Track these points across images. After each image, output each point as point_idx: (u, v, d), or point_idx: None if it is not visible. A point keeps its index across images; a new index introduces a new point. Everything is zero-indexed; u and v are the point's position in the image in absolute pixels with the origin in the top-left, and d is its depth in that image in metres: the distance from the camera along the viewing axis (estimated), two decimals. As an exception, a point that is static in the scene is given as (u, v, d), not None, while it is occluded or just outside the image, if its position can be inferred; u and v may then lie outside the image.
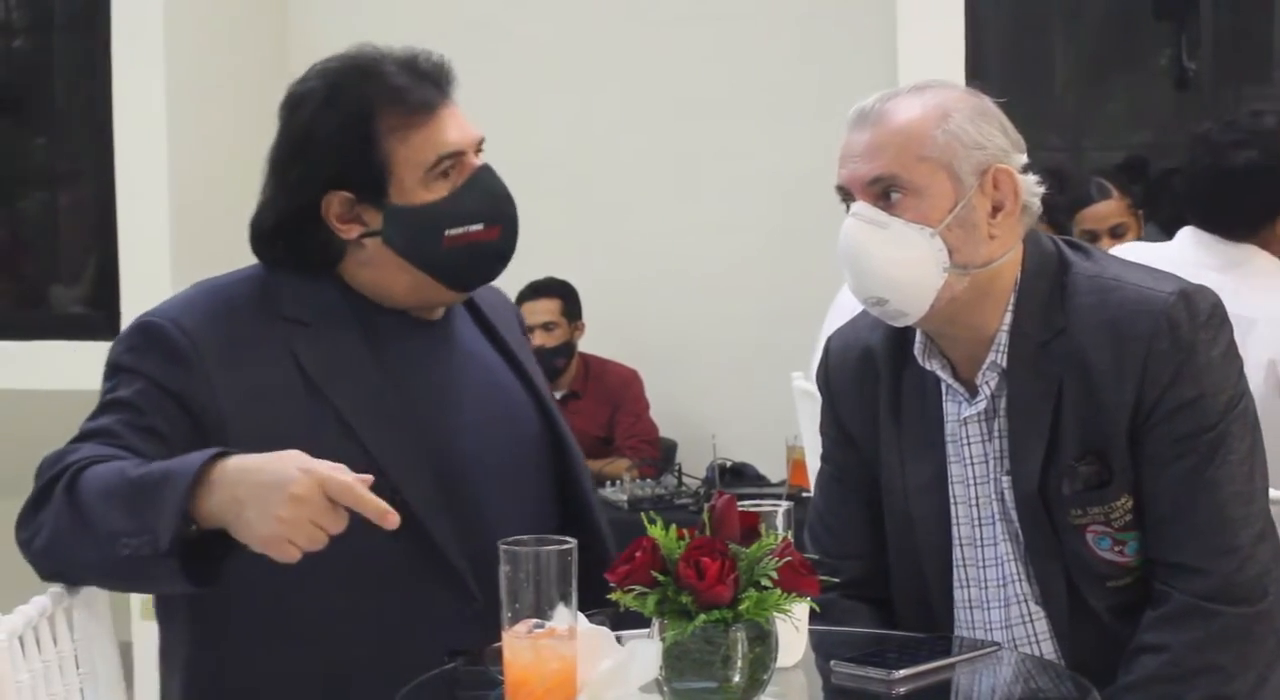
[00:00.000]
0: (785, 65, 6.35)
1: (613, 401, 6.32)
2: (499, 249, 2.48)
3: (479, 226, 2.43)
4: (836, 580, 2.46)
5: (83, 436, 2.31)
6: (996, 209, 2.34)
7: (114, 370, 2.39)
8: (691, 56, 6.48)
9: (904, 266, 2.31)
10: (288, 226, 2.45)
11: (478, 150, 2.48)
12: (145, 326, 2.39)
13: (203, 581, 2.12)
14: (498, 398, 2.55)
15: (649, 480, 5.75)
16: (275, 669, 2.33)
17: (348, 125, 2.40)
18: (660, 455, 6.19)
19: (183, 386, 2.32)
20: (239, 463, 2.09)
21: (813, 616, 2.50)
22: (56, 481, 2.21)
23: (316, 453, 2.28)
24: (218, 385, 2.33)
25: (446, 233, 2.41)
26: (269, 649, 2.32)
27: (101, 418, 2.33)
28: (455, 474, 2.42)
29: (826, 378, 2.60)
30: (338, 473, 2.04)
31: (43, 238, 7.03)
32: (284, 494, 2.02)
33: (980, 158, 2.32)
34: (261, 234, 2.49)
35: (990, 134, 2.34)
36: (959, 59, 5.67)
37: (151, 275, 5.98)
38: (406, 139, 2.40)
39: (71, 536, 2.17)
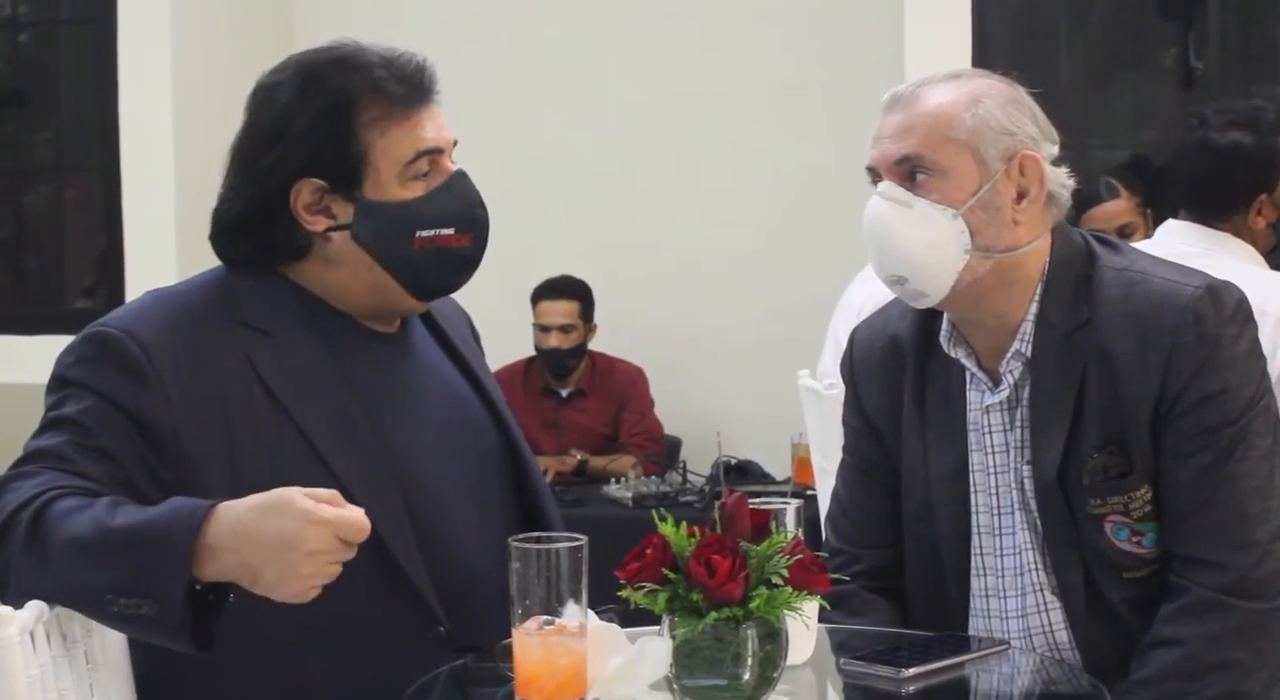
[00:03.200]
0: (793, 64, 6.38)
1: (619, 399, 6.33)
2: (467, 256, 2.44)
3: (450, 231, 2.39)
4: (848, 578, 2.48)
5: (30, 457, 2.22)
6: (1022, 195, 2.36)
7: (60, 383, 2.29)
8: (699, 55, 6.51)
9: (925, 246, 2.34)
10: (253, 217, 2.39)
11: (451, 153, 2.44)
12: (99, 338, 2.30)
13: (203, 645, 2.07)
14: (457, 413, 2.51)
15: (653, 477, 5.79)
16: (237, 687, 2.28)
17: (327, 112, 2.35)
18: (665, 452, 6.22)
19: (137, 404, 2.24)
20: (234, 525, 2.01)
21: (831, 607, 2.48)
22: (15, 519, 2.12)
23: (277, 471, 2.21)
24: (174, 401, 2.25)
25: (418, 233, 2.37)
26: (230, 667, 2.24)
27: (47, 437, 2.23)
28: (420, 495, 2.37)
29: (851, 367, 2.62)
30: (345, 513, 2.00)
31: (48, 231, 7.05)
32: (300, 553, 1.97)
33: (1008, 143, 2.35)
34: (223, 227, 2.43)
35: (1020, 121, 2.37)
36: (966, 58, 5.69)
37: (157, 269, 5.98)
38: (386, 131, 2.35)
39: (41, 588, 2.09)
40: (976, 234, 2.34)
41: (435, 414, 2.46)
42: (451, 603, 2.33)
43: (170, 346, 2.28)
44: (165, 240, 6.11)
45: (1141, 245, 3.40)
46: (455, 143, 2.44)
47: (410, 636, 2.31)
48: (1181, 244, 3.39)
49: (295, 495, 2.00)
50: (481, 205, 2.44)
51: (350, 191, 2.36)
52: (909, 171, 2.35)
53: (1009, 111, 2.37)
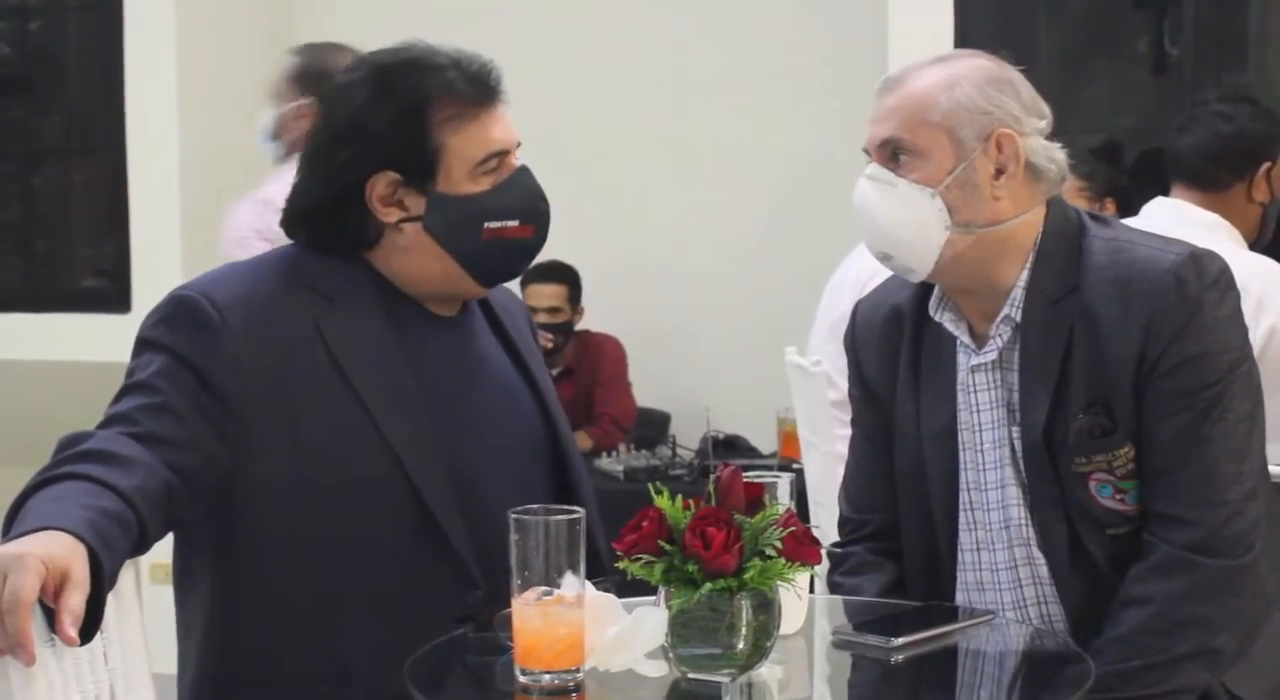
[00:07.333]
0: (778, 49, 6.40)
1: (595, 371, 6.35)
2: (529, 247, 2.56)
3: (515, 222, 2.51)
4: (839, 550, 2.57)
5: (105, 422, 2.32)
6: (1000, 171, 2.43)
7: (141, 346, 2.42)
8: (685, 41, 6.53)
9: (906, 225, 2.42)
10: (325, 208, 2.50)
11: (515, 152, 2.56)
12: (177, 300, 2.42)
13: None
14: (506, 399, 2.61)
15: (644, 451, 5.86)
16: (286, 642, 2.39)
17: (404, 111, 2.45)
18: (632, 430, 6.24)
19: (207, 362, 2.35)
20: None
21: (834, 566, 2.58)
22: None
23: (335, 436, 2.36)
24: (244, 362, 2.36)
25: (486, 225, 2.49)
26: (281, 622, 2.38)
27: (122, 403, 2.35)
28: (465, 468, 2.46)
29: (853, 338, 2.69)
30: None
31: (56, 213, 7.07)
32: None
33: (984, 123, 2.41)
34: (294, 217, 2.54)
35: (999, 100, 2.44)
36: (948, 45, 5.72)
37: (162, 249, 6.09)
38: (459, 130, 2.47)
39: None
40: (955, 211, 2.40)
41: (485, 396, 2.56)
42: (490, 570, 2.39)
43: (244, 309, 2.40)
44: (170, 221, 6.14)
45: (1126, 221, 3.50)
46: (519, 144, 2.55)
47: (449, 600, 2.41)
48: (1168, 222, 3.39)
49: (31, 557, 1.91)
50: (544, 199, 2.56)
51: (423, 185, 2.47)
52: (892, 153, 2.43)
53: (987, 92, 2.43)
